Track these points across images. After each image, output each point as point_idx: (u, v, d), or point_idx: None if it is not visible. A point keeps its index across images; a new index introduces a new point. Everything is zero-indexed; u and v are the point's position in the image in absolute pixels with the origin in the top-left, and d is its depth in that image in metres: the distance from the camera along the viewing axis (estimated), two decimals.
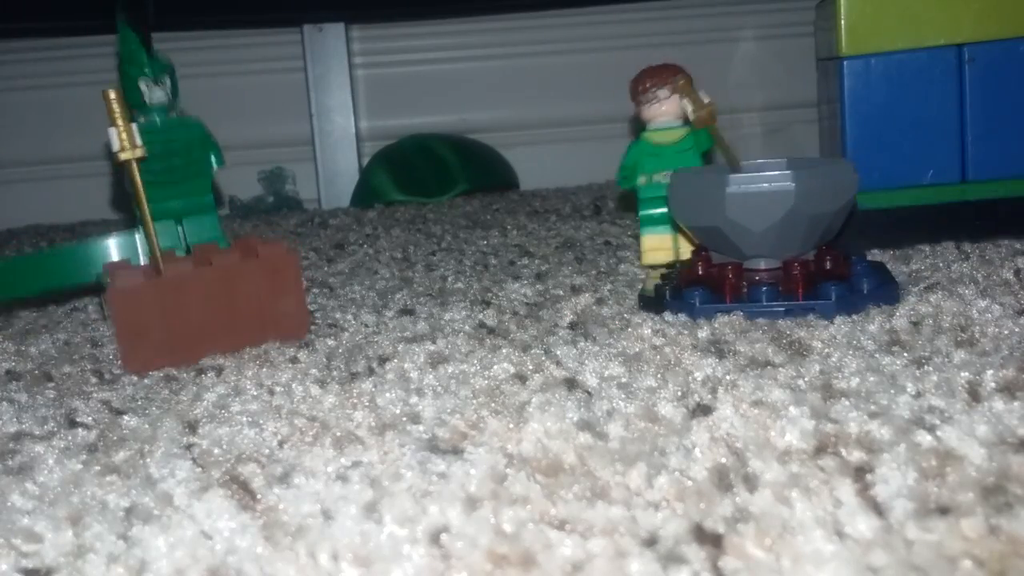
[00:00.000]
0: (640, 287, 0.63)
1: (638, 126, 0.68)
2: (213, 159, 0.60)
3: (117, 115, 0.54)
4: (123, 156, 0.54)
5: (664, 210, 0.65)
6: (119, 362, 0.55)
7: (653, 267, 0.67)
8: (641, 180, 0.66)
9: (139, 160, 0.54)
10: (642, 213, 0.66)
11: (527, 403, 0.43)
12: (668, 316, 0.55)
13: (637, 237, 0.82)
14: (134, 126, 0.54)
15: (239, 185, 1.31)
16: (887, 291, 0.55)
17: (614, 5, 1.35)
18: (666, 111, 0.65)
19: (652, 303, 0.57)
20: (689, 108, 0.63)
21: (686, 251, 0.65)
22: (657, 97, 0.65)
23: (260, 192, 1.33)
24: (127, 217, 1.13)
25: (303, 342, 0.56)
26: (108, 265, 0.58)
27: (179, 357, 0.54)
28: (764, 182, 0.55)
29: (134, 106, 0.56)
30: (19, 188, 1.35)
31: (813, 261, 0.57)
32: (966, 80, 0.72)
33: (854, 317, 0.52)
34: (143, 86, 0.57)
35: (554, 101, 1.39)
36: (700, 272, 0.58)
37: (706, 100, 0.63)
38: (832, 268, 0.56)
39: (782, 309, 0.53)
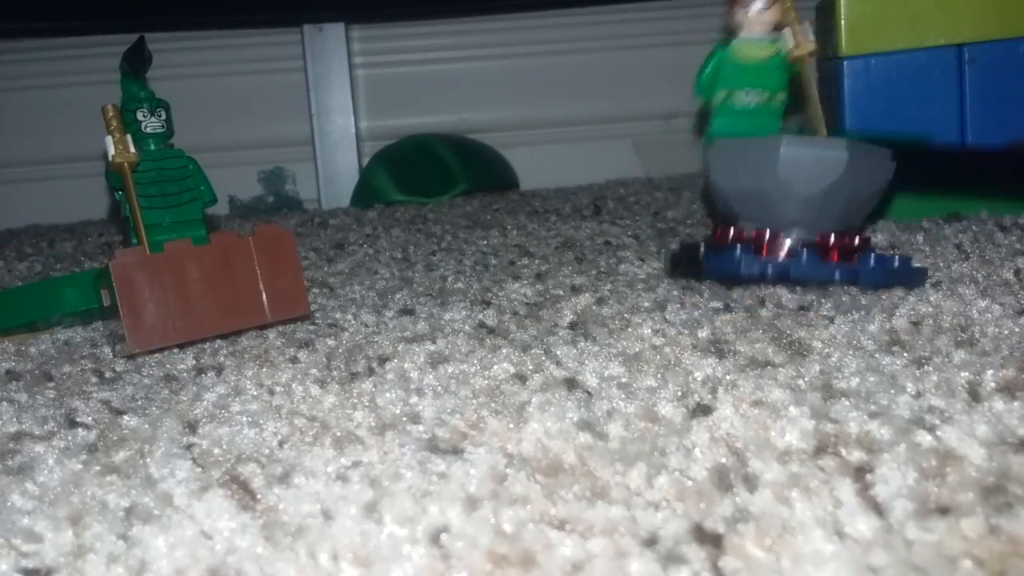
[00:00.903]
0: (668, 252, 0.61)
1: (726, 33, 0.62)
2: (205, 192, 0.63)
3: (113, 127, 0.58)
4: (118, 159, 0.57)
5: (738, 131, 0.60)
6: (124, 360, 0.56)
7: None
8: (720, 96, 0.61)
9: (132, 165, 0.58)
10: (713, 130, 0.61)
11: (527, 403, 0.43)
12: (670, 316, 0.55)
13: (637, 237, 0.82)
14: (128, 137, 0.58)
15: (239, 185, 1.31)
16: (916, 271, 0.56)
17: (614, 5, 1.35)
18: (766, 20, 0.59)
19: (686, 264, 0.57)
20: (789, 37, 0.59)
21: None
22: (755, 3, 0.59)
23: (260, 192, 1.33)
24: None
25: (303, 341, 0.56)
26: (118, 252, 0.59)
27: (180, 334, 0.56)
28: (818, 146, 0.56)
29: (132, 135, 0.59)
30: (19, 188, 1.35)
31: (844, 237, 0.57)
32: (966, 80, 0.72)
33: (854, 317, 0.52)
34: (139, 115, 0.60)
35: (554, 101, 1.39)
36: (734, 237, 0.57)
37: (811, 38, 0.59)
38: (860, 245, 0.57)
39: (829, 271, 0.54)
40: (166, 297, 0.55)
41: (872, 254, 0.55)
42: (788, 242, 0.56)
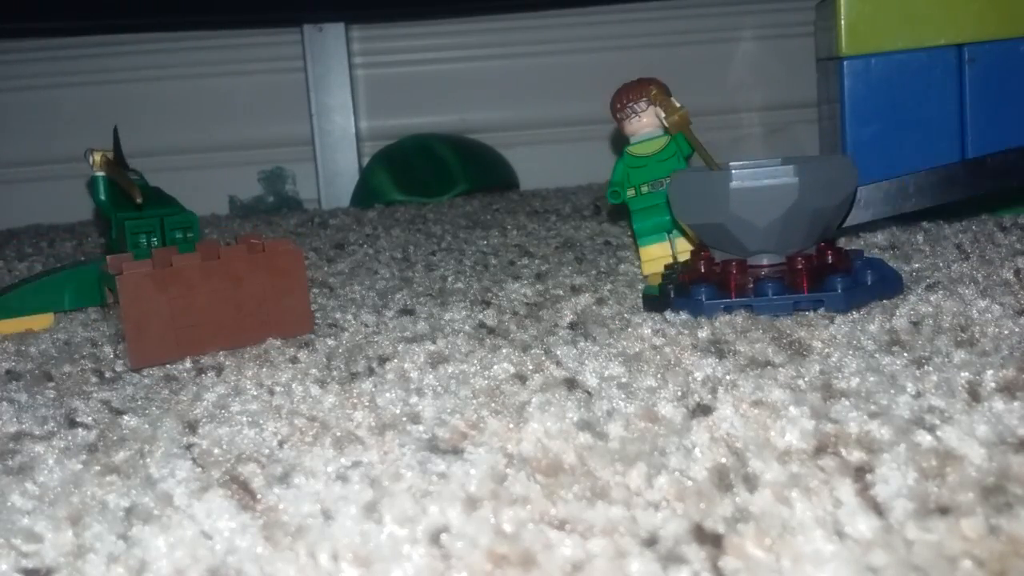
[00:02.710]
0: (642, 287, 0.63)
1: (622, 143, 0.68)
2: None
3: (99, 166, 0.63)
4: (97, 173, 0.63)
5: (657, 219, 0.66)
6: (124, 361, 0.56)
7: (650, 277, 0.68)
8: (630, 193, 0.67)
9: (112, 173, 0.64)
10: (636, 226, 0.67)
11: (527, 403, 0.43)
12: (670, 316, 0.55)
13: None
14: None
15: (239, 185, 1.31)
16: (891, 283, 0.55)
17: (614, 5, 1.35)
18: (646, 123, 0.66)
19: (656, 303, 0.58)
20: (662, 115, 0.64)
21: (684, 254, 0.66)
22: (635, 111, 0.66)
23: (260, 192, 1.33)
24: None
25: (303, 341, 0.56)
26: (112, 258, 0.59)
27: (183, 351, 0.55)
28: (767, 177, 0.55)
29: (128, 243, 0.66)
30: (19, 188, 1.35)
31: (815, 256, 0.57)
32: (966, 80, 0.72)
33: (854, 317, 0.52)
34: (142, 239, 0.66)
35: (554, 101, 1.39)
36: (703, 270, 0.58)
37: (678, 105, 0.64)
38: (834, 262, 0.57)
39: (791, 303, 0.53)
40: (171, 313, 0.55)
41: (839, 277, 0.54)
42: (757, 273, 0.56)
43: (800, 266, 0.55)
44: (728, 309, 0.54)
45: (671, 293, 0.56)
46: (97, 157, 0.63)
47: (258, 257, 0.57)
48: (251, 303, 0.57)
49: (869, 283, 0.55)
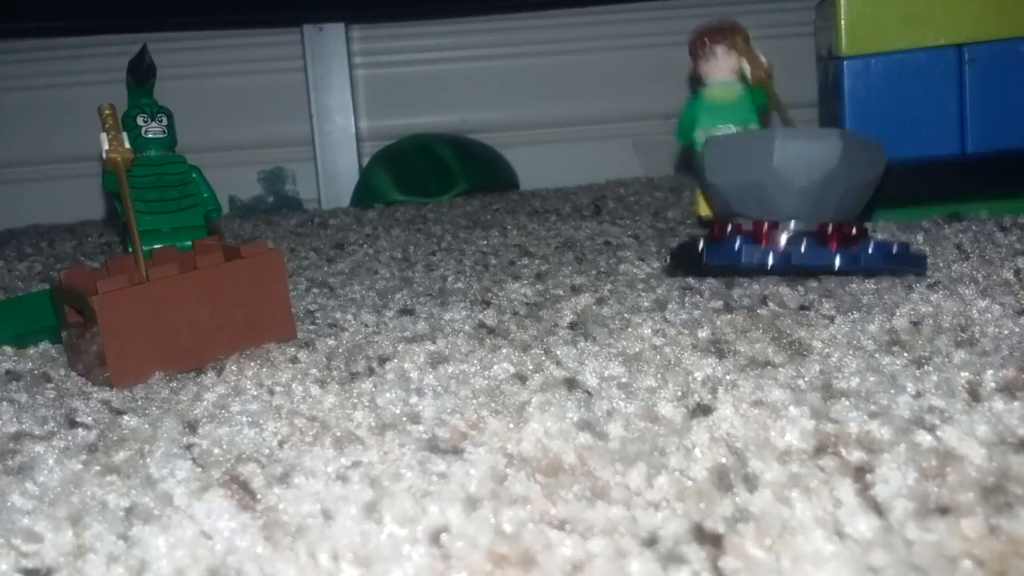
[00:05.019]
0: (668, 252, 0.62)
1: (694, 83, 0.68)
2: (208, 200, 0.63)
3: (109, 125, 0.57)
4: (112, 155, 0.56)
5: None
6: (99, 384, 0.53)
7: (706, 220, 0.68)
8: (699, 135, 0.66)
9: (127, 162, 0.57)
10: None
11: (527, 403, 0.43)
12: (670, 316, 0.55)
13: (637, 237, 0.82)
14: (124, 135, 0.57)
15: (239, 185, 1.31)
16: (917, 257, 0.56)
17: (614, 5, 1.35)
18: (723, 67, 0.66)
19: (687, 259, 0.57)
20: (746, 66, 0.64)
21: None
22: (715, 53, 0.66)
23: (260, 192, 1.33)
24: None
25: (303, 341, 0.56)
26: (66, 274, 0.56)
27: (164, 366, 0.53)
28: (812, 138, 0.57)
29: (132, 142, 0.59)
30: (19, 188, 1.35)
31: (842, 226, 0.57)
32: (966, 80, 0.72)
33: (854, 317, 0.52)
34: (140, 120, 0.60)
35: (554, 101, 1.39)
36: (732, 229, 0.57)
37: (763, 59, 0.64)
38: (858, 233, 0.57)
39: (832, 256, 0.54)
40: (150, 328, 0.52)
41: (872, 241, 0.55)
42: (787, 232, 0.57)
43: (830, 230, 0.56)
44: (763, 257, 0.53)
45: (702, 247, 0.56)
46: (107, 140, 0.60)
47: (234, 265, 0.55)
48: (231, 312, 0.55)
49: (895, 252, 0.55)
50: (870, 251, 0.54)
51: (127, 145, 0.57)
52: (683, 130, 0.67)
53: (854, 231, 0.57)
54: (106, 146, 0.56)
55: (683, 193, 1.04)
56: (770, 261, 0.53)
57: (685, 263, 0.57)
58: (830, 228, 0.56)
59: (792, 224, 0.57)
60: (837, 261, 0.54)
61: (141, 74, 0.61)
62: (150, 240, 0.59)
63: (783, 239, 0.55)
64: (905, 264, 0.55)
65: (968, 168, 0.72)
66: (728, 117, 0.66)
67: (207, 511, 0.34)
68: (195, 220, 0.61)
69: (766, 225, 0.56)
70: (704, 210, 0.67)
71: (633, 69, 0.67)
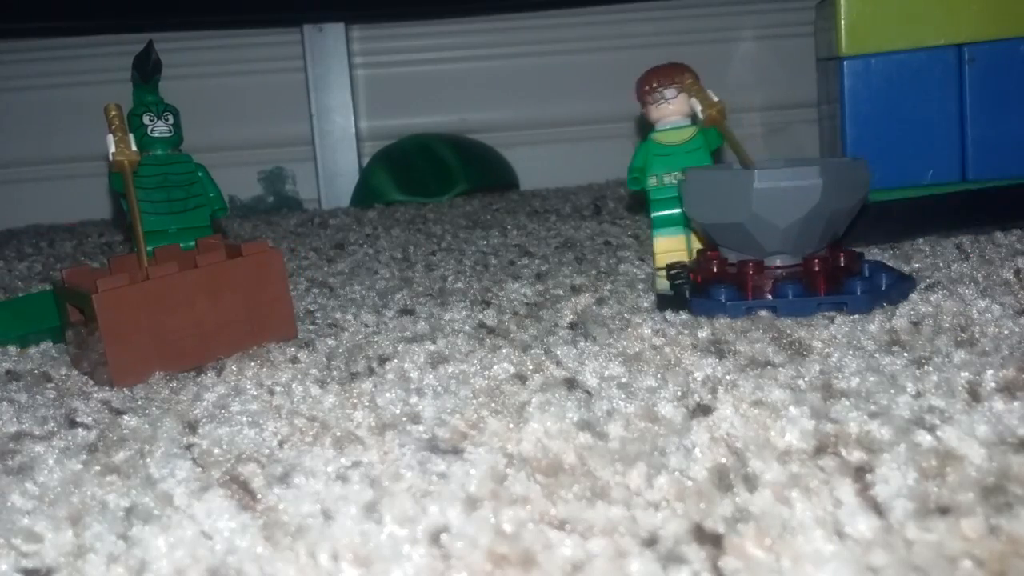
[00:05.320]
0: (654, 282, 0.62)
1: (646, 127, 0.66)
2: (215, 199, 0.62)
3: (115, 126, 0.56)
4: (118, 157, 0.56)
5: (677, 211, 0.64)
6: (102, 384, 0.53)
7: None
8: (652, 181, 0.64)
9: (132, 164, 0.56)
10: (655, 215, 0.65)
11: (527, 403, 0.43)
12: (670, 316, 0.55)
13: (638, 237, 0.82)
14: (131, 136, 0.57)
15: (239, 185, 1.31)
16: (905, 286, 0.55)
17: (614, 5, 1.35)
18: (674, 111, 0.63)
19: (673, 302, 0.57)
20: (698, 107, 0.62)
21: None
22: (664, 97, 0.63)
23: (260, 192, 1.33)
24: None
25: (303, 341, 0.56)
26: (68, 273, 0.56)
27: (165, 366, 0.53)
28: (791, 178, 0.55)
29: (138, 141, 0.58)
30: (19, 188, 1.35)
31: (829, 258, 0.57)
32: (966, 80, 0.72)
33: (854, 317, 0.52)
34: (146, 119, 0.59)
35: (554, 101, 1.39)
36: (717, 270, 0.57)
37: (715, 98, 0.62)
38: (847, 264, 0.56)
39: (814, 304, 0.53)
40: (150, 326, 0.52)
41: (859, 279, 0.54)
42: (773, 275, 0.56)
43: (818, 268, 0.55)
44: (750, 310, 0.53)
45: (686, 293, 0.56)
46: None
47: (235, 263, 0.55)
48: (231, 311, 0.55)
49: (884, 286, 0.55)
50: (858, 294, 0.53)
51: (133, 147, 0.56)
52: (635, 177, 0.64)
53: (842, 260, 0.56)
54: (112, 148, 0.56)
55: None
56: (755, 312, 0.53)
57: (671, 305, 0.57)
58: (817, 265, 0.55)
59: (778, 260, 0.57)
60: (822, 309, 0.54)
61: (147, 70, 0.61)
62: (156, 241, 0.58)
63: (768, 284, 0.55)
64: (893, 297, 0.54)
65: (969, 199, 0.71)
66: (682, 161, 0.63)
67: (207, 511, 0.34)
68: (201, 221, 0.61)
69: (751, 268, 0.55)
70: (662, 261, 0.65)
71: (633, 69, 0.66)
